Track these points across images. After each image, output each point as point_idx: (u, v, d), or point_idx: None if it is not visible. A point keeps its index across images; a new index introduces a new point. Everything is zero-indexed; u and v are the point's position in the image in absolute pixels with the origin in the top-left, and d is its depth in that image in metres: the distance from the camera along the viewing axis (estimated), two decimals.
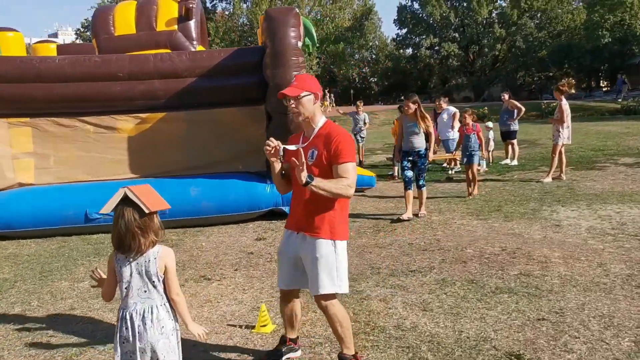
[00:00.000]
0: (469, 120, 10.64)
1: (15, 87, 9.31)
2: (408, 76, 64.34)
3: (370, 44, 69.02)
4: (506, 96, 15.82)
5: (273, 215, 9.87)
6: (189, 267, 7.22)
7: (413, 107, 9.20)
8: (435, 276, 6.27)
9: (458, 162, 15.15)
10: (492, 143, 16.22)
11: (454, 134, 14.57)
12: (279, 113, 9.13)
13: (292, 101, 3.86)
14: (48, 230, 9.34)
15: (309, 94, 3.86)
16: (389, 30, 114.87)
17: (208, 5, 65.19)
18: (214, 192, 9.61)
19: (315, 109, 3.91)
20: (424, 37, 63.67)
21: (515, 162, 15.50)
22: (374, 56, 70.63)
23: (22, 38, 11.73)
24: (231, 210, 9.63)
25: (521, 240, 7.60)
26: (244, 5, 60.85)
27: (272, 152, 3.87)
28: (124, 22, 10.92)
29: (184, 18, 10.86)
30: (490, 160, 16.03)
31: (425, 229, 8.63)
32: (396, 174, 14.28)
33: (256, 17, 56.15)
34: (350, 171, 3.78)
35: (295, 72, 8.78)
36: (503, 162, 15.66)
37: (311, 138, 3.95)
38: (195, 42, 10.87)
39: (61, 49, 14.07)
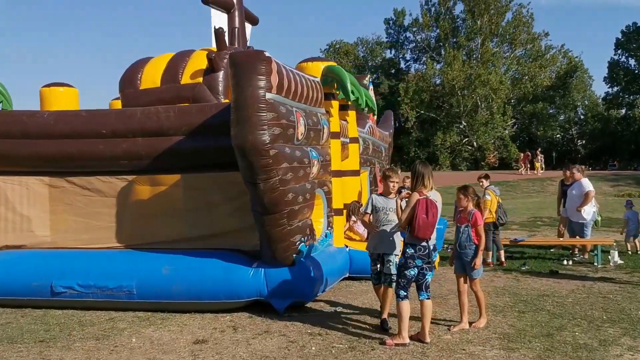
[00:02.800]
0: (464, 202, 6.94)
1: (3, 142, 8.54)
2: (619, 139, 56.90)
3: (579, 103, 62.69)
4: None
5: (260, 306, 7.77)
6: None
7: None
8: None
9: (587, 252, 11.55)
10: None
11: (586, 216, 11.15)
12: (247, 182, 7.13)
13: None
14: (18, 300, 8.27)
15: None
16: (599, 88, 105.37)
17: (402, 66, 64.64)
18: (187, 274, 7.80)
19: None
20: (639, 95, 56.13)
21: None
22: (581, 117, 63.99)
23: (77, 94, 11.19)
24: (205, 297, 7.72)
25: None
26: (437, 66, 59.08)
27: None
28: (151, 75, 9.81)
29: (209, 70, 9.42)
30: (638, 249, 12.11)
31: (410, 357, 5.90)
32: (490, 259, 11.19)
33: (447, 77, 54.11)
34: None
35: (262, 132, 6.75)
36: None
37: None
38: (221, 96, 9.35)
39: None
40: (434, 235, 6.37)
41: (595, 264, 10.91)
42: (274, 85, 6.85)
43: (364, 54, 66.18)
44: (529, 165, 39.78)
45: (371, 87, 13.49)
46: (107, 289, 7.95)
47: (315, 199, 8.44)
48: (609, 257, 10.98)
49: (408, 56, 64.96)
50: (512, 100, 58.98)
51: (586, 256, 11.51)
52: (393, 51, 65.59)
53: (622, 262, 11.00)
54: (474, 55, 57.85)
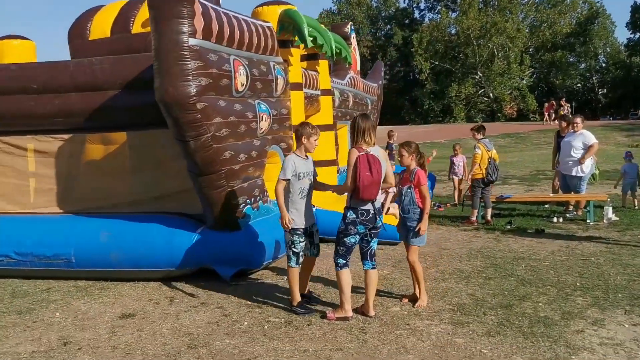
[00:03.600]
0: (406, 160, 5.88)
1: None
2: None
3: (600, 51, 60.28)
4: None
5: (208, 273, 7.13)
6: None
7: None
8: None
9: (580, 209, 10.69)
10: None
11: (585, 169, 10.23)
12: (177, 140, 6.39)
13: None
14: None
15: None
16: (621, 35, 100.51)
17: (417, 16, 62.65)
18: (126, 240, 7.16)
19: None
20: None
21: None
22: (602, 65, 61.64)
23: (34, 47, 10.42)
24: (145, 265, 7.09)
25: None
26: (452, 15, 57.05)
27: None
28: (101, 25, 9.01)
29: None
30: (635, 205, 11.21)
31: (345, 332, 5.22)
32: (474, 217, 10.40)
33: (462, 26, 52.28)
34: None
35: (186, 84, 5.96)
36: None
37: None
38: None
39: None
40: (379, 197, 5.59)
41: (588, 221, 10.07)
42: (199, 29, 6.03)
43: (377, 4, 64.13)
44: (553, 115, 38.08)
45: (353, 35, 12.55)
46: (45, 257, 7.37)
47: (267, 157, 7.69)
48: (603, 213, 10.12)
49: (422, 5, 62.99)
50: (530, 49, 56.89)
51: (580, 213, 10.66)
52: (407, 0, 63.52)
53: (617, 219, 10.13)
54: (491, 3, 55.68)
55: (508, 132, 30.88)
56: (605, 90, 61.83)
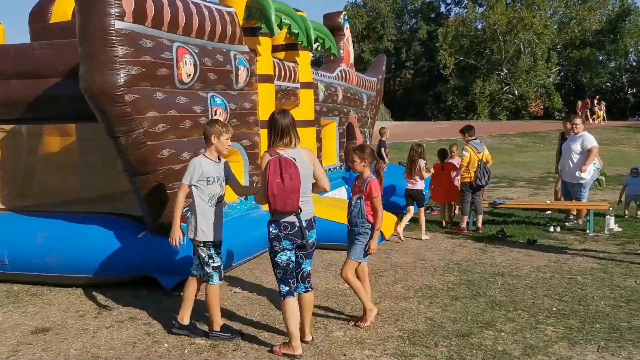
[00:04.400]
0: (358, 166, 5.16)
1: None
2: None
3: (631, 49, 58.15)
4: None
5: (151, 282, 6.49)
6: None
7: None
8: None
9: (580, 217, 9.79)
10: None
11: (586, 175, 9.33)
12: (108, 136, 5.73)
13: None
14: None
15: None
16: None
17: (442, 10, 61.33)
18: (63, 243, 6.54)
19: None
20: None
21: None
22: (633, 63, 59.49)
23: (2, 30, 9.87)
24: (83, 270, 6.47)
25: None
26: (479, 10, 55.58)
27: None
28: (63, 7, 8.40)
29: None
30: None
31: None
32: (464, 224, 9.57)
33: (489, 21, 50.91)
34: None
35: (113, 72, 5.29)
36: None
37: None
38: None
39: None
40: (309, 208, 4.68)
41: (587, 231, 9.18)
42: (128, 11, 5.34)
43: None
44: (587, 114, 36.64)
45: (347, 26, 11.76)
46: None
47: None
48: (605, 223, 9.22)
49: None
50: (558, 46, 55.12)
51: (580, 222, 9.75)
52: None
53: (619, 229, 9.21)
54: None
55: (527, 131, 29.70)
56: (635, 89, 59.71)
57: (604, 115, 36.76)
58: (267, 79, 7.94)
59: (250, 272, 7.12)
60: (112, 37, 5.25)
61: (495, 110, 53.27)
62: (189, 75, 6.18)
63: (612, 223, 9.20)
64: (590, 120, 35.86)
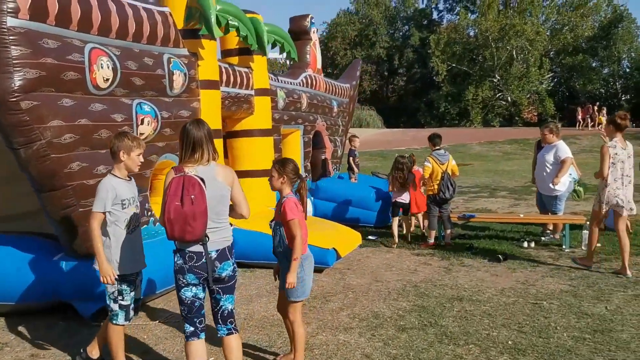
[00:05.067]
0: (276, 183, 4.41)
1: None
2: None
3: (624, 55, 57.67)
4: None
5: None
6: None
7: None
8: None
9: (556, 232, 9.12)
10: None
11: (561, 186, 8.67)
12: (8, 148, 5.06)
13: None
14: None
15: None
16: None
17: (435, 17, 60.87)
18: None
19: None
20: None
21: None
22: (626, 70, 59.00)
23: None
24: None
25: None
26: (471, 17, 55.09)
27: None
28: None
29: None
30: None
31: None
32: (432, 240, 8.92)
33: (481, 27, 50.45)
34: None
35: (6, 76, 4.63)
36: None
37: None
38: None
39: None
40: (223, 235, 3.90)
41: (563, 246, 8.51)
42: (23, 7, 4.68)
43: (396, 4, 62.43)
44: (589, 121, 36.00)
45: (314, 29, 11.12)
46: None
47: (153, 168, 6.33)
48: (582, 238, 8.55)
49: (441, 6, 61.04)
50: (551, 53, 54.61)
51: (557, 237, 9.08)
52: (425, 1, 61.70)
53: (598, 244, 8.54)
54: (511, 4, 53.59)
55: (517, 138, 29.00)
56: (629, 96, 59.18)
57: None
58: (212, 84, 7.29)
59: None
60: (3, 37, 4.59)
61: (488, 117, 52.69)
62: (107, 79, 5.52)
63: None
64: (590, 127, 35.33)
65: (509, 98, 52.33)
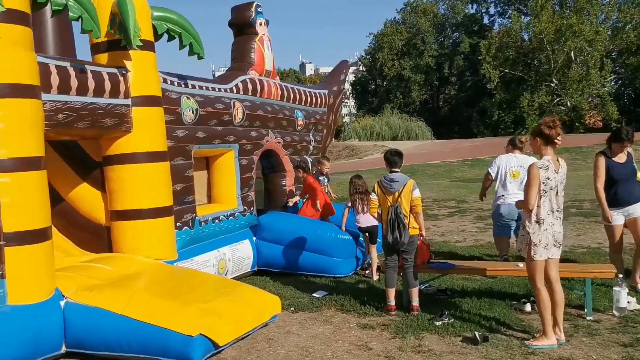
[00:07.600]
0: None
1: None
2: None
3: None
4: None
5: None
6: None
7: None
8: None
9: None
10: None
11: None
12: None
13: None
14: None
15: None
16: None
17: (486, 21, 57.18)
18: None
19: None
20: None
21: None
22: None
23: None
24: None
25: None
26: (524, 19, 51.12)
27: None
28: None
29: None
30: None
31: None
32: (390, 302, 6.14)
33: (535, 29, 46.61)
34: None
35: None
36: None
37: None
38: None
39: None
40: None
41: (585, 312, 5.58)
42: None
43: (444, 11, 59.08)
44: None
45: (260, 20, 8.58)
46: None
47: None
48: (613, 299, 5.61)
49: (492, 10, 57.29)
50: (613, 53, 49.84)
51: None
52: (475, 6, 58.04)
53: (637, 306, 5.59)
54: (567, 4, 49.34)
55: (569, 147, 25.20)
56: None
57: None
58: (27, 91, 4.85)
59: None
60: None
61: None
62: None
63: (622, 298, 5.58)
64: None
65: (569, 103, 48.00)
